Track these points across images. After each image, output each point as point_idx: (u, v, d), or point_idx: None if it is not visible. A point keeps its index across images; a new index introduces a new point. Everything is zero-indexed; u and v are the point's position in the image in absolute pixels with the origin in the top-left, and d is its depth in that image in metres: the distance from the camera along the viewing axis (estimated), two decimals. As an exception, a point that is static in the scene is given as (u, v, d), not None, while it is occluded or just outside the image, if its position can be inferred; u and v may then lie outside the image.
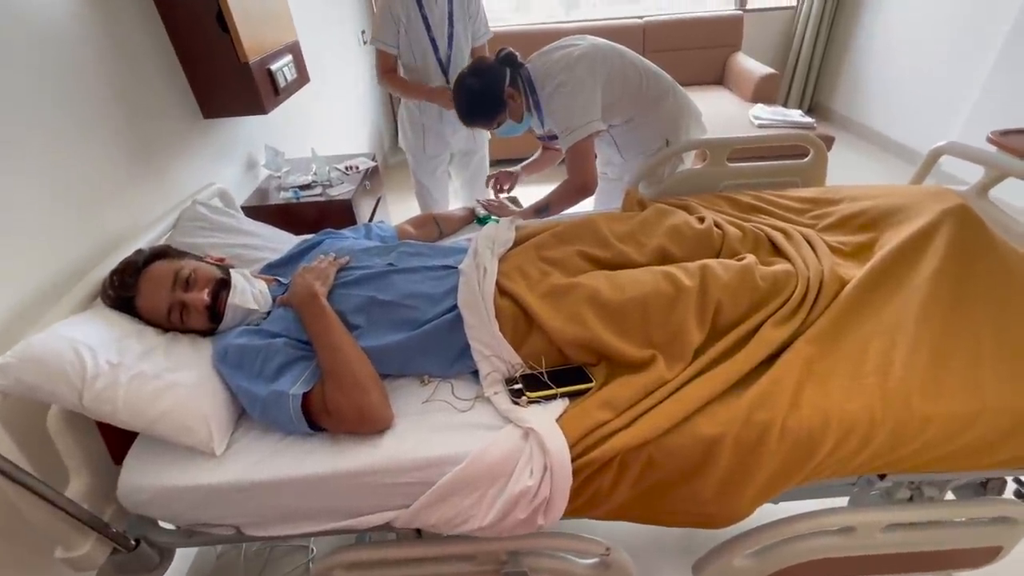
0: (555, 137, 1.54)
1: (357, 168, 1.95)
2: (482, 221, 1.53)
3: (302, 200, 1.75)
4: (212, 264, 1.06)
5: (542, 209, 1.52)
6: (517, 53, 1.52)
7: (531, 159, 1.84)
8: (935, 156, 1.38)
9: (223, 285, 1.00)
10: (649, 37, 3.72)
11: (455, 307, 1.00)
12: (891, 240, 1.04)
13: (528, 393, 0.91)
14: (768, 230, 1.18)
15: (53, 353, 0.82)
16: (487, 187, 1.81)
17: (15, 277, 0.97)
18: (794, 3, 3.96)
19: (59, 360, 0.81)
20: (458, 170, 2.25)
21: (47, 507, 0.78)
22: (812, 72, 4.08)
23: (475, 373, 0.98)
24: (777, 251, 1.13)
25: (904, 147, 3.39)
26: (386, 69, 1.93)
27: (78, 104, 1.15)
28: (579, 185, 1.49)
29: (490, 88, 1.47)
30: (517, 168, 1.81)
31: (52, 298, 1.00)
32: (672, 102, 1.56)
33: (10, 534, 0.94)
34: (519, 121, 1.56)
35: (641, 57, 1.54)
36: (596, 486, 0.85)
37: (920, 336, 0.88)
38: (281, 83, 1.63)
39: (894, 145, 3.48)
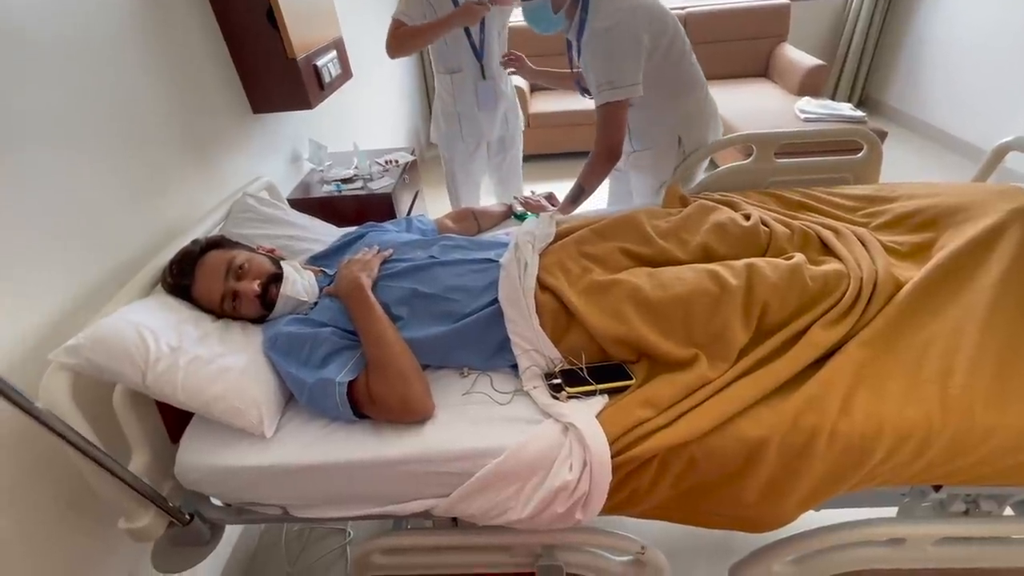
0: (585, 90, 1.45)
1: (396, 162, 1.98)
2: (520, 217, 1.54)
3: (344, 193, 1.79)
4: (264, 255, 1.10)
5: (577, 196, 1.49)
6: None
7: (555, 71, 1.78)
8: (1000, 153, 1.31)
9: (275, 277, 1.04)
10: (691, 28, 3.63)
11: (495, 301, 1.01)
12: (953, 240, 0.99)
13: (568, 388, 0.91)
14: (818, 228, 1.14)
15: (119, 335, 0.87)
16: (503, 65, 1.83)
17: (84, 265, 1.03)
18: (846, -9, 3.79)
19: (124, 342, 0.86)
20: (493, 167, 2.25)
21: (113, 480, 0.84)
22: (863, 63, 3.90)
23: (514, 367, 0.99)
24: (827, 250, 1.09)
25: (964, 143, 3.20)
26: (396, 35, 1.80)
27: (141, 104, 1.21)
28: (605, 149, 1.43)
29: None
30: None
31: (117, 284, 1.06)
32: (698, 97, 1.50)
33: (79, 505, 1.01)
34: (555, 12, 1.39)
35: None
36: (635, 484, 0.85)
37: (985, 343, 0.84)
38: (326, 78, 1.67)
39: (953, 141, 3.29)
